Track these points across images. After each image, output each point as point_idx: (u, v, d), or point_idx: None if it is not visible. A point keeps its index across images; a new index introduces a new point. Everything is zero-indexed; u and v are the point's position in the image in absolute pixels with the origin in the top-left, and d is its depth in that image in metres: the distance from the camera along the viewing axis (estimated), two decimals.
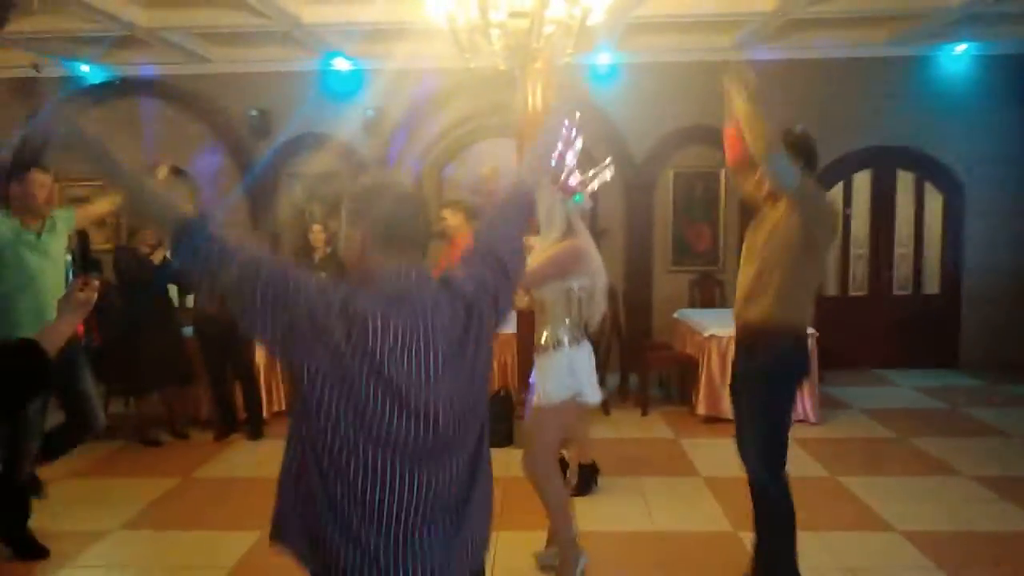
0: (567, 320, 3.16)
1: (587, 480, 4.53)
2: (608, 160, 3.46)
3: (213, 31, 6.90)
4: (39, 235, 3.72)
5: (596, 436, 5.61)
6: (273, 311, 1.42)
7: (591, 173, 3.30)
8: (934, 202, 7.85)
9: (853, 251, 7.92)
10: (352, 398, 1.43)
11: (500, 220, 1.77)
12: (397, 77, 7.56)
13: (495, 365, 5.84)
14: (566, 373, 3.14)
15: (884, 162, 7.75)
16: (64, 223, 3.90)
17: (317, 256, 6.03)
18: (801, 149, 2.87)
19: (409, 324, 1.47)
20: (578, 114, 3.21)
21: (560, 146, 3.15)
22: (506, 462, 5.11)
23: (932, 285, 7.92)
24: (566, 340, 3.15)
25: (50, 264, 3.74)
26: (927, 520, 4.00)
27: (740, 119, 2.78)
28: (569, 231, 3.16)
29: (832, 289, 7.97)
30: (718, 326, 5.97)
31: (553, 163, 3.15)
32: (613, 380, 6.71)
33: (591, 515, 4.16)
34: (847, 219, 7.83)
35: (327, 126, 7.71)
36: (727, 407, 5.87)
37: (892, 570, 3.47)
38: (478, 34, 3.73)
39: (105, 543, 3.93)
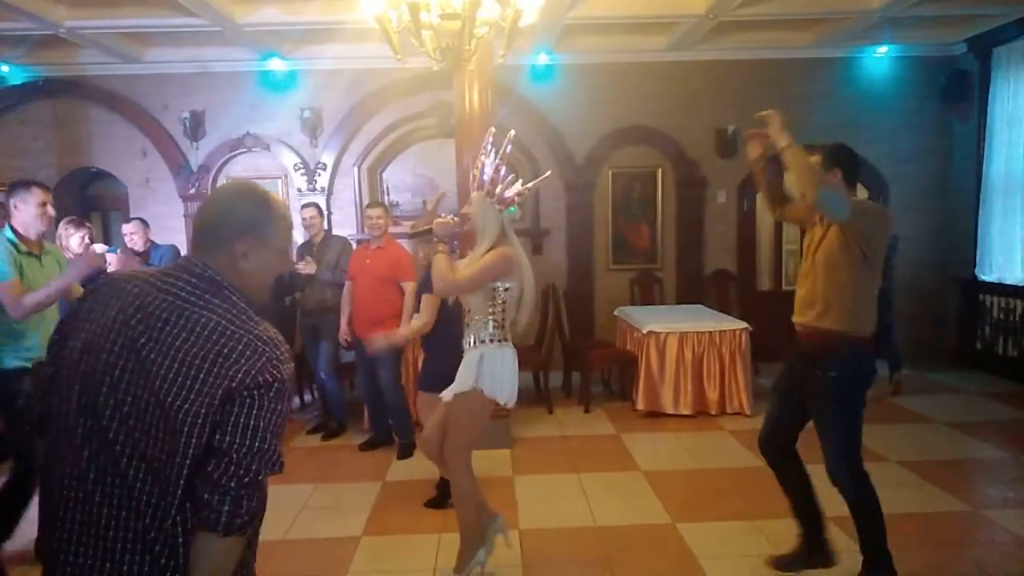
0: (490, 320, 3.20)
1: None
2: (547, 173, 3.59)
3: (143, 31, 6.71)
4: (40, 258, 3.60)
5: (540, 434, 5.69)
6: None
7: (530, 185, 3.32)
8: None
9: (785, 247, 8.19)
10: None
11: None
12: (333, 77, 7.49)
13: None
14: (474, 367, 3.17)
15: None
16: (53, 259, 3.73)
17: None
18: (844, 162, 3.09)
19: None
20: (512, 132, 3.24)
21: (490, 159, 3.17)
22: None
23: None
24: (487, 339, 3.20)
25: None
26: None
27: (788, 165, 2.98)
28: (501, 239, 3.21)
29: (766, 284, 8.23)
30: (656, 323, 6.10)
31: (485, 175, 3.18)
32: (556, 378, 6.78)
33: (533, 513, 4.20)
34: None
35: (263, 127, 7.58)
36: (666, 402, 6.01)
37: None
38: (410, 35, 3.71)
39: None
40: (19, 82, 7.41)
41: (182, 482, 1.39)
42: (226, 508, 1.38)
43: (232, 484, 1.38)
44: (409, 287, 5.09)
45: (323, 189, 7.63)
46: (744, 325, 6.08)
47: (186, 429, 1.37)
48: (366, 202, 7.55)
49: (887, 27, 6.94)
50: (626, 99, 7.69)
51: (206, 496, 1.38)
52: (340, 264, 5.59)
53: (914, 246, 7.96)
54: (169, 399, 1.38)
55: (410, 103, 7.54)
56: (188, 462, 1.38)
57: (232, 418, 1.39)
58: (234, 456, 1.38)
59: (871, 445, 5.17)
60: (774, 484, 3.44)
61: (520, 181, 3.29)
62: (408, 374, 5.62)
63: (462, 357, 3.27)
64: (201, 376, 1.39)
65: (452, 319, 4.09)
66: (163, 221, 7.36)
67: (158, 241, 5.80)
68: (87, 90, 7.51)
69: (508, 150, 3.19)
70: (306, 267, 5.50)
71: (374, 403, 5.48)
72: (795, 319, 3.27)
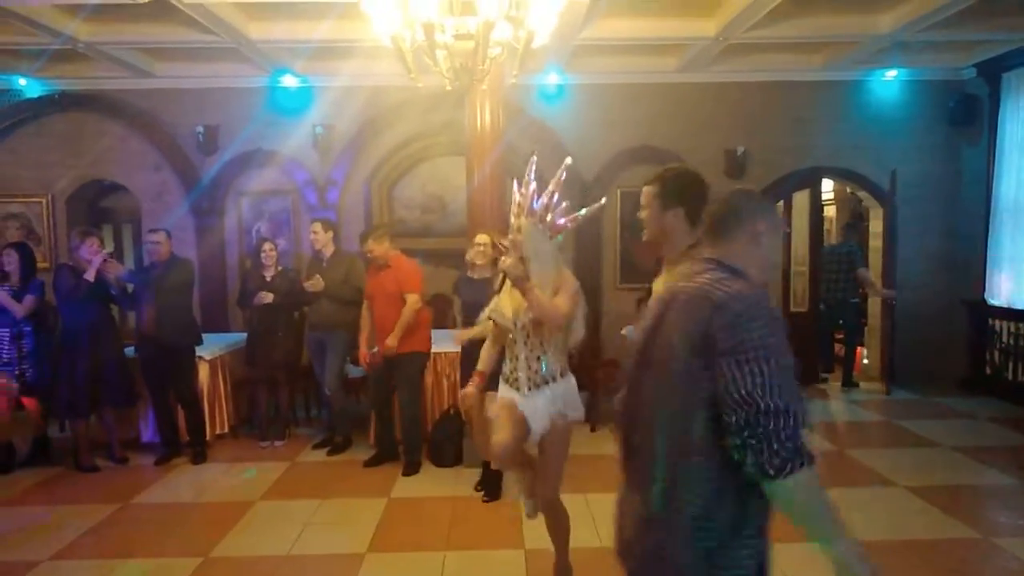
0: (563, 347, 3.21)
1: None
2: (603, 200, 3.47)
3: (158, 46, 6.80)
4: None
5: None
6: None
7: (583, 212, 3.25)
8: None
9: (794, 268, 8.16)
10: None
11: None
12: (346, 94, 7.56)
13: (444, 383, 5.83)
14: (575, 397, 3.22)
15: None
16: None
17: (269, 274, 5.91)
18: (688, 198, 2.43)
19: None
20: (569, 160, 3.18)
21: (535, 186, 3.09)
22: (455, 480, 5.12)
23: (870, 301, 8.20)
24: (563, 369, 3.22)
25: None
26: (862, 530, 4.12)
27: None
28: (560, 266, 3.21)
29: (773, 304, 8.19)
30: None
31: (537, 204, 3.08)
32: None
33: (537, 532, 4.17)
34: (787, 237, 8.07)
35: (276, 143, 7.65)
36: None
37: None
38: (424, 55, 3.75)
39: (35, 574, 3.79)
40: (36, 95, 7.51)
41: (684, 424, 1.56)
42: (749, 459, 1.44)
43: (741, 434, 1.45)
44: (410, 299, 5.17)
45: (334, 205, 7.68)
46: None
47: (674, 381, 1.59)
48: (375, 219, 7.61)
49: (896, 51, 6.97)
50: (636, 120, 7.73)
51: (733, 448, 1.48)
52: (349, 280, 5.61)
53: (922, 270, 7.94)
54: (666, 354, 1.62)
55: (422, 121, 7.60)
56: (681, 411, 1.56)
57: (719, 370, 1.49)
58: (729, 403, 1.47)
59: (878, 469, 5.16)
60: None
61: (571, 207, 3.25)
62: (427, 394, 5.71)
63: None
64: (680, 332, 1.59)
65: None
66: (175, 234, 7.37)
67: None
68: (102, 104, 7.60)
69: (563, 177, 3.09)
70: (314, 285, 5.55)
71: (384, 419, 5.49)
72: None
